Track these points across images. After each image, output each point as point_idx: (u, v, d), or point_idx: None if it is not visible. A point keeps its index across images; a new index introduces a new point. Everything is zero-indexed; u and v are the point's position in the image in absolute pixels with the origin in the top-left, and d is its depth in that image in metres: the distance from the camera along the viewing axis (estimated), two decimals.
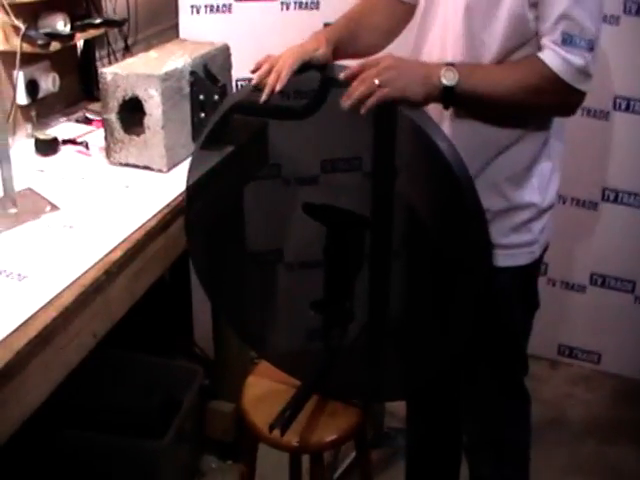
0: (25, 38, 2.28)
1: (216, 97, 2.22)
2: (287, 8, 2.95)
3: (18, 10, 2.27)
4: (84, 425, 2.22)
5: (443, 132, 1.58)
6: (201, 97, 2.20)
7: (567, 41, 1.60)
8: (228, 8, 2.90)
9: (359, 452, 2.09)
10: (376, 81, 1.59)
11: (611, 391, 3.19)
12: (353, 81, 1.62)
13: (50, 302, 1.51)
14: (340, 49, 1.92)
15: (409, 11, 1.98)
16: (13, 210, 1.87)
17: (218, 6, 2.89)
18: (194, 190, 1.92)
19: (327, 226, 1.84)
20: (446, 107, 1.68)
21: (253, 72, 1.83)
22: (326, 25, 2.08)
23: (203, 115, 2.22)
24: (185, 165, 2.15)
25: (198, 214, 1.93)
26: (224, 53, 2.40)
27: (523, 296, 1.94)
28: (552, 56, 1.62)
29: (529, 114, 1.75)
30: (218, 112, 1.96)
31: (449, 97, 1.64)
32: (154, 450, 2.17)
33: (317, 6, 2.98)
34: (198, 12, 2.88)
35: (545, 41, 1.64)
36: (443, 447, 2.32)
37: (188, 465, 2.55)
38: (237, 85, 2.81)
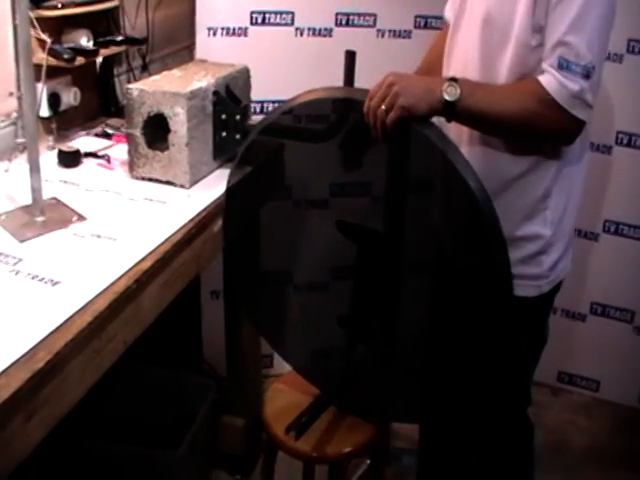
0: (50, 52, 2.33)
1: (238, 117, 2.25)
2: (301, 34, 3.01)
3: (44, 24, 2.31)
4: (99, 436, 2.23)
5: (472, 168, 1.58)
6: (223, 117, 2.24)
7: (563, 66, 1.64)
8: (244, 32, 2.95)
9: (373, 467, 2.12)
10: (383, 107, 1.65)
11: (611, 419, 3.22)
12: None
13: (85, 307, 1.53)
14: None
15: None
16: (41, 218, 1.90)
17: (234, 29, 2.94)
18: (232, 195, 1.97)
19: (359, 245, 1.86)
20: (448, 120, 1.71)
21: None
22: (348, 52, 2.11)
23: (224, 134, 2.25)
24: (206, 181, 2.22)
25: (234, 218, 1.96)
26: (244, 75, 2.44)
27: (527, 328, 1.95)
28: (549, 79, 1.66)
29: (528, 138, 1.77)
30: (255, 131, 2.00)
31: (451, 112, 1.67)
32: (169, 460, 2.18)
33: (330, 34, 3.04)
34: (215, 34, 2.93)
35: (544, 65, 1.68)
36: (455, 469, 2.33)
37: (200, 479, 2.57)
38: (254, 107, 2.85)
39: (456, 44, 1.93)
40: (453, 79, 1.67)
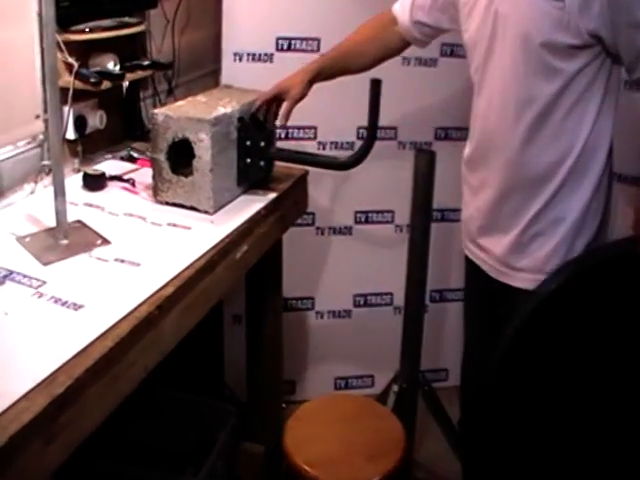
0: (77, 75, 2.35)
1: (262, 143, 2.25)
2: None
3: (71, 48, 2.34)
4: (118, 459, 2.24)
5: None
6: (247, 143, 2.24)
7: None
8: (269, 57, 2.99)
9: None
10: None
11: None
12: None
13: (106, 333, 1.54)
14: (326, 72, 2.38)
15: (403, 47, 2.29)
16: (65, 241, 1.92)
17: (260, 55, 2.98)
18: None
19: None
20: None
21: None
22: (374, 80, 2.13)
23: (249, 160, 2.26)
24: (230, 208, 2.23)
25: None
26: None
27: None
28: None
29: None
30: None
31: None
32: None
33: None
34: (240, 60, 2.97)
35: None
36: None
37: None
38: (279, 133, 2.87)
39: (492, 68, 1.95)
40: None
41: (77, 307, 1.63)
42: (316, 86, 2.98)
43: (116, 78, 2.51)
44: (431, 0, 2.21)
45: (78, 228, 2.02)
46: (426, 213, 2.62)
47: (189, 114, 2.14)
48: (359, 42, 2.35)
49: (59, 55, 2.29)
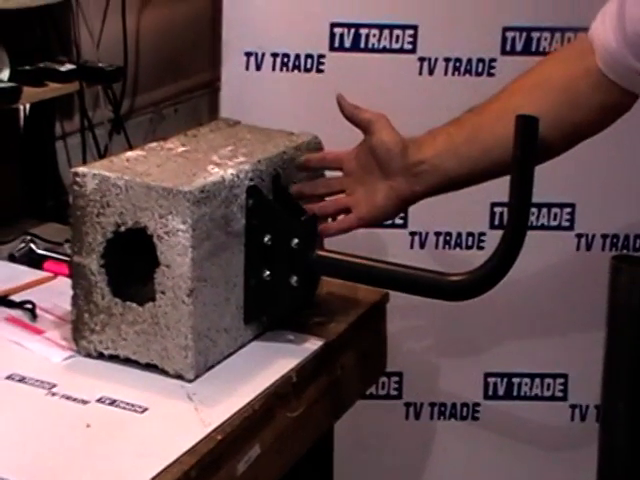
0: None
1: (295, 241, 2.20)
2: (430, 71, 3.03)
3: None
4: None
5: None
6: (266, 239, 2.22)
7: None
8: (316, 62, 2.98)
9: None
10: None
11: None
12: None
13: None
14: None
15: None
16: None
17: (298, 57, 2.95)
18: None
19: None
20: None
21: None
22: (523, 118, 2.06)
23: (268, 274, 2.23)
24: (227, 368, 2.22)
25: None
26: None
27: None
28: None
29: None
30: None
31: None
32: None
33: (489, 68, 3.07)
34: (259, 67, 2.96)
35: None
36: None
37: None
38: None
39: None
40: None
41: None
42: (408, 120, 2.95)
43: (3, 95, 2.51)
44: None
45: None
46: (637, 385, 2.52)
47: (150, 179, 2.11)
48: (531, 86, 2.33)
49: None
